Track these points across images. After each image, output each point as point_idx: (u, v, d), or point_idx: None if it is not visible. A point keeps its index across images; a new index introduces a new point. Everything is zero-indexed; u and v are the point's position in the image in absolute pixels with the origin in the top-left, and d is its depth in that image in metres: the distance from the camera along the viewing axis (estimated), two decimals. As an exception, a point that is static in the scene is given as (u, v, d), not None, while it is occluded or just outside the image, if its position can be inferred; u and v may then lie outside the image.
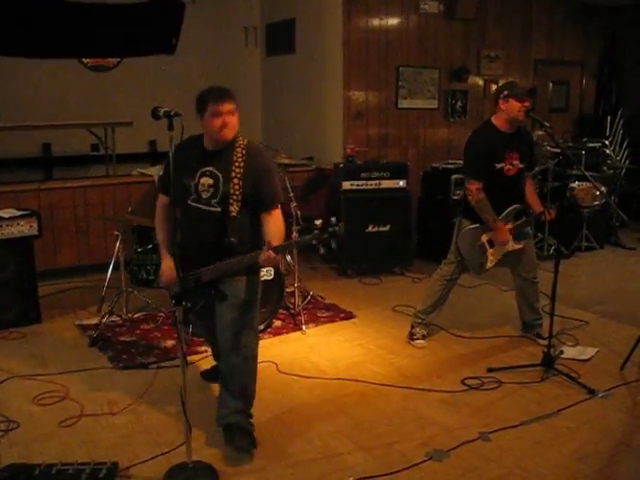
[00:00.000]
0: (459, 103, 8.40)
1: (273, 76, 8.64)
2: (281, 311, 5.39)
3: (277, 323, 5.28)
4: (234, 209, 3.24)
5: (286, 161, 5.82)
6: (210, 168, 3.30)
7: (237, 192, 3.24)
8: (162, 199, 3.53)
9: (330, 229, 3.13)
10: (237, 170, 3.26)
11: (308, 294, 5.84)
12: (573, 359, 4.53)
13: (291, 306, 5.54)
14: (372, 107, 7.74)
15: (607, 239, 8.17)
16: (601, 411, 3.84)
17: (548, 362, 4.28)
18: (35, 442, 3.46)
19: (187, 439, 3.03)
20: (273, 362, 4.54)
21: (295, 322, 5.31)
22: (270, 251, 3.13)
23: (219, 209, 3.28)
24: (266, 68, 8.78)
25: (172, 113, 2.81)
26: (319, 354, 4.75)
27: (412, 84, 7.96)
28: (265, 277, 4.98)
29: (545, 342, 4.41)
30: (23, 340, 4.97)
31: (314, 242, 3.20)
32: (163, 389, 4.08)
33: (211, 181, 3.28)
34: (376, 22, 7.57)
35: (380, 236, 6.77)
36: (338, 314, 5.58)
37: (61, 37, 7.19)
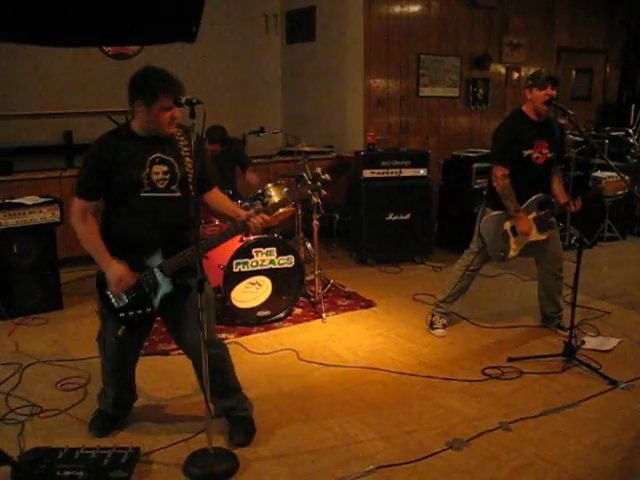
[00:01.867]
0: (480, 91, 8.35)
1: (293, 64, 8.61)
2: (301, 299, 5.41)
3: (297, 311, 5.30)
4: (192, 188, 3.11)
5: (307, 149, 5.81)
6: (158, 154, 3.09)
7: (191, 172, 3.11)
8: (82, 204, 3.08)
9: (323, 176, 3.16)
10: (185, 149, 3.14)
11: (328, 282, 5.84)
12: (594, 350, 4.49)
13: (311, 294, 5.54)
14: (393, 95, 7.71)
15: (630, 229, 8.07)
16: (623, 402, 3.80)
17: (569, 352, 4.25)
18: (58, 427, 3.51)
19: (208, 425, 3.05)
20: (293, 350, 4.55)
21: (315, 310, 5.32)
22: (261, 214, 3.12)
23: (179, 194, 3.14)
24: (286, 56, 8.75)
25: (194, 101, 2.79)
26: (339, 342, 4.75)
27: (433, 72, 7.93)
28: (285, 265, 5.00)
29: (566, 332, 4.39)
30: (45, 326, 5.03)
31: (309, 192, 3.18)
32: (184, 376, 4.09)
33: (165, 168, 3.09)
34: (397, 9, 7.53)
35: (400, 225, 6.74)
36: (358, 302, 5.57)
37: (81, 25, 7.20)
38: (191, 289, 3.03)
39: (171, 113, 2.98)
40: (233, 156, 6.18)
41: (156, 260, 3.09)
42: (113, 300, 3.14)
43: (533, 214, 4.54)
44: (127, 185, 3.03)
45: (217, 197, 3.36)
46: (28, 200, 5.25)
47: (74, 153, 7.79)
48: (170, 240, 3.10)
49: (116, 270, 3.04)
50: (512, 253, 4.62)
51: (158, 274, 3.09)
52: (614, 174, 4.46)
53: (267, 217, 3.14)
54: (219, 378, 3.30)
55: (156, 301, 3.13)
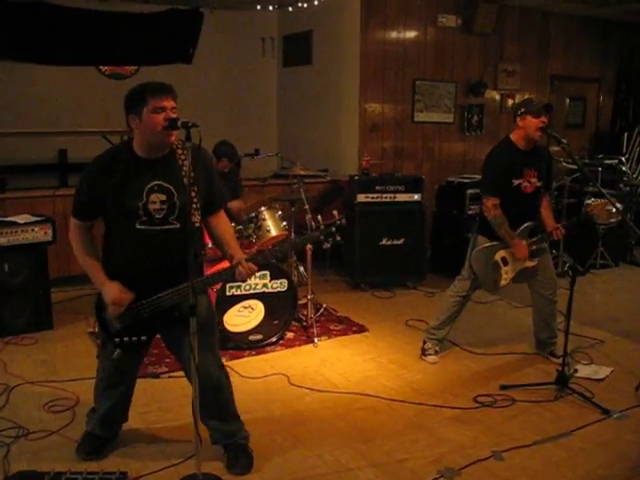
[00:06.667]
0: (475, 117, 8.39)
1: (289, 87, 8.66)
2: (293, 323, 5.37)
3: (289, 335, 5.27)
4: (197, 219, 2.99)
5: (301, 172, 5.81)
6: (157, 182, 2.95)
7: (195, 200, 2.96)
8: (76, 223, 3.12)
9: (337, 222, 3.11)
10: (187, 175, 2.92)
11: (321, 307, 5.81)
12: (587, 378, 4.48)
13: (303, 318, 5.52)
14: (388, 120, 7.74)
15: (623, 257, 8.09)
16: (616, 432, 3.78)
17: (562, 381, 4.23)
18: (44, 450, 3.45)
19: (197, 450, 3.00)
20: (284, 374, 4.52)
21: (307, 334, 5.28)
22: (250, 263, 2.98)
23: (177, 225, 2.99)
24: (282, 79, 8.80)
25: (190, 124, 2.76)
26: (331, 367, 4.72)
27: (428, 97, 7.96)
28: (278, 289, 4.98)
29: (559, 360, 4.37)
30: (35, 346, 4.98)
31: (322, 238, 3.11)
32: (174, 399, 4.06)
33: (163, 197, 2.94)
34: (393, 35, 7.58)
35: (394, 249, 6.74)
36: (350, 327, 5.55)
37: (80, 45, 7.26)
38: (192, 315, 2.83)
39: (165, 114, 2.84)
40: (234, 178, 5.97)
41: (152, 292, 3.01)
42: (109, 325, 3.09)
43: (524, 241, 4.54)
44: (122, 213, 2.95)
45: (220, 224, 3.20)
46: (20, 219, 5.23)
47: (68, 172, 7.81)
48: (167, 273, 2.99)
49: (110, 290, 2.99)
50: (503, 282, 4.61)
51: (153, 306, 3.02)
52: (604, 200, 4.47)
53: (255, 268, 3.00)
54: (222, 402, 3.30)
55: (152, 329, 3.11)
